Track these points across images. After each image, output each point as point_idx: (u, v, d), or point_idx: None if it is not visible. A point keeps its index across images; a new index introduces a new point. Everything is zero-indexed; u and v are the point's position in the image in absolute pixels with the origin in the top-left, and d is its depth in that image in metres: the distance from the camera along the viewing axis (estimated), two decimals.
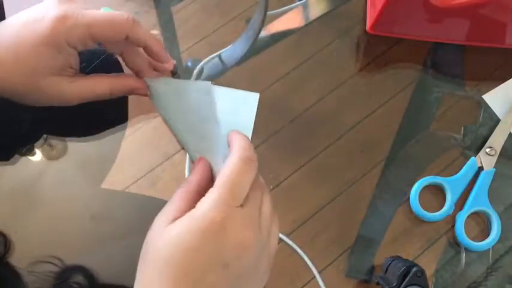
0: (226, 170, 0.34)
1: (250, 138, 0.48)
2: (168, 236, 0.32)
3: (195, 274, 0.31)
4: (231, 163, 0.34)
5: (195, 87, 0.49)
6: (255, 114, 0.51)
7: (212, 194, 0.33)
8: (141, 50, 0.41)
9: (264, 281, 0.36)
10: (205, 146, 0.45)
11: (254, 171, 0.35)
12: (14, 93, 0.37)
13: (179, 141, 0.47)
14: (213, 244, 0.32)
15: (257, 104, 0.51)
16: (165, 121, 0.43)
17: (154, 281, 0.31)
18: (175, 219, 0.33)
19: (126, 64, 0.42)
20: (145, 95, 0.41)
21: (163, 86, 0.44)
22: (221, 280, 0.32)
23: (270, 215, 0.36)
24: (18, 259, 0.43)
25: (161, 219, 0.34)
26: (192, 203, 0.34)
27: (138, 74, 0.42)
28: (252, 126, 0.51)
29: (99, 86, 0.40)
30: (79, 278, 0.43)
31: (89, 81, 0.40)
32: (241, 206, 0.34)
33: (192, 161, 0.46)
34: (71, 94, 0.39)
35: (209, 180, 0.37)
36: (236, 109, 0.51)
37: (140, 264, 0.33)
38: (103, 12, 0.39)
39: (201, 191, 0.35)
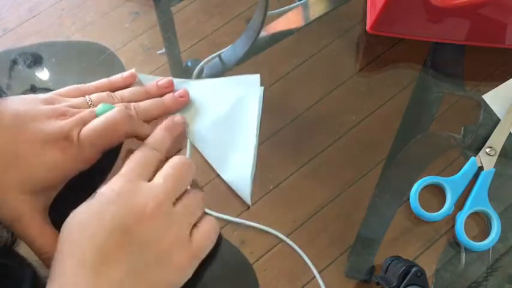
0: (133, 156, 0.40)
1: (256, 123, 0.49)
2: (75, 211, 0.36)
3: (96, 240, 0.34)
4: (137, 150, 0.41)
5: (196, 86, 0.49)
6: (258, 96, 0.51)
7: (119, 172, 0.38)
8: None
9: (181, 274, 0.38)
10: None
11: (157, 156, 0.40)
12: None
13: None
14: (111, 211, 0.35)
15: (259, 84, 0.51)
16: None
17: (63, 251, 0.34)
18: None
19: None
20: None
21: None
22: (120, 245, 0.34)
23: (192, 208, 0.39)
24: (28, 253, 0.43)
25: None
26: None
27: None
28: (258, 108, 0.50)
29: (43, 241, 0.40)
30: None
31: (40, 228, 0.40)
32: (148, 181, 0.38)
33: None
34: (19, 224, 0.39)
35: None
36: (240, 95, 0.51)
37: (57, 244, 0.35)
38: (97, 123, 0.41)
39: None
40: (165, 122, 0.44)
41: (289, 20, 0.56)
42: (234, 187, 0.47)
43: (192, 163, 0.41)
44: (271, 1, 0.55)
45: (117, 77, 0.49)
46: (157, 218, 0.36)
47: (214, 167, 0.48)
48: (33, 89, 0.51)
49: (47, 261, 0.39)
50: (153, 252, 0.35)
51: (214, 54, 0.53)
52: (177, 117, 0.47)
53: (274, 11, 0.56)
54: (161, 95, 0.49)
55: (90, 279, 0.33)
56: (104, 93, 0.46)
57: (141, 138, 0.43)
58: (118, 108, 0.42)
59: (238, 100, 0.50)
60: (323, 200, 0.48)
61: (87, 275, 0.33)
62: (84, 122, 0.41)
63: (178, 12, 0.57)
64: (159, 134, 0.43)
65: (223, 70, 0.53)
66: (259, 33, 0.50)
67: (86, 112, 0.42)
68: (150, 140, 0.42)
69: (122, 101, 0.46)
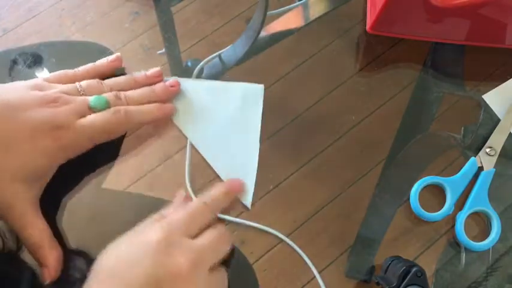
0: (187, 205, 0.39)
1: (259, 132, 0.50)
2: (115, 248, 0.35)
3: (123, 280, 0.33)
4: (195, 201, 0.41)
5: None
6: (261, 105, 0.51)
7: (165, 219, 0.37)
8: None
9: None
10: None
11: (209, 216, 0.39)
12: None
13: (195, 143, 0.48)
14: (151, 260, 0.33)
15: (262, 95, 0.51)
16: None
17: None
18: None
19: None
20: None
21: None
22: None
23: (225, 277, 0.39)
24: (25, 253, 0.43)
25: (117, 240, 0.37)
26: None
27: None
28: (260, 119, 0.50)
29: (32, 233, 0.40)
30: (79, 262, 0.44)
31: (29, 221, 0.40)
32: (191, 238, 0.37)
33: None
34: (10, 215, 0.40)
35: None
36: (243, 102, 0.51)
37: (88, 282, 0.34)
38: (97, 122, 0.42)
39: None
40: (229, 183, 0.45)
41: (289, 20, 0.56)
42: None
43: (230, 235, 0.42)
44: (271, 1, 0.55)
45: (102, 61, 0.49)
46: (192, 281, 0.34)
47: (215, 169, 0.48)
48: None
49: (33, 249, 0.40)
50: None
51: (214, 54, 0.53)
52: (240, 180, 0.47)
53: (274, 11, 0.56)
54: (150, 85, 0.49)
55: None
56: (94, 81, 0.46)
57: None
58: (114, 109, 0.43)
59: (241, 107, 0.50)
60: (323, 200, 0.48)
61: None
62: (78, 112, 0.41)
63: (178, 12, 0.57)
64: (220, 195, 0.43)
65: (223, 70, 0.53)
66: (259, 33, 0.50)
67: (79, 101, 0.42)
68: (209, 197, 0.41)
69: (111, 89, 0.46)
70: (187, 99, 0.50)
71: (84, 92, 0.44)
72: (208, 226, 0.39)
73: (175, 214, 0.38)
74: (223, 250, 0.38)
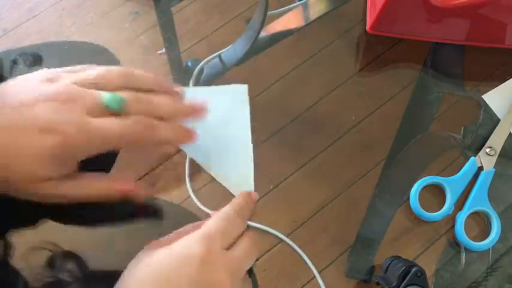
0: (219, 215, 0.37)
1: (249, 132, 0.49)
2: (149, 259, 0.33)
3: None
4: (222, 211, 0.38)
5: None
6: (248, 105, 0.51)
7: (202, 230, 0.35)
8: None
9: None
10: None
11: (243, 225, 0.38)
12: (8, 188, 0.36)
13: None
14: (193, 274, 0.33)
15: (247, 94, 0.51)
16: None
17: None
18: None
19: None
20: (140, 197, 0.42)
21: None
22: None
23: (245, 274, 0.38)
24: (16, 257, 0.43)
25: (149, 247, 0.35)
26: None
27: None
28: (249, 118, 0.50)
29: (94, 187, 0.39)
30: (70, 266, 0.43)
31: (81, 184, 0.38)
32: (227, 250, 0.36)
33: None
34: (59, 197, 0.38)
35: None
36: (229, 104, 0.51)
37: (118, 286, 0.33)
38: (114, 130, 0.37)
39: None
40: (247, 192, 0.43)
41: (289, 20, 0.56)
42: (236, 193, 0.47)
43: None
44: (271, 1, 0.55)
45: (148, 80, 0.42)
46: None
47: (213, 174, 0.48)
48: None
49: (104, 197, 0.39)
50: None
51: (214, 54, 0.53)
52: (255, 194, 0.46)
53: (274, 11, 0.56)
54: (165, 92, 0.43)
55: None
56: (111, 72, 0.40)
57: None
58: (136, 119, 0.38)
59: (228, 110, 0.50)
60: (323, 200, 0.48)
61: None
62: (90, 110, 0.36)
63: (178, 12, 0.57)
64: (246, 203, 0.42)
65: (223, 70, 0.53)
66: (259, 33, 0.50)
67: (90, 96, 0.37)
68: (238, 206, 0.40)
69: (128, 85, 0.40)
70: None
71: (97, 85, 0.38)
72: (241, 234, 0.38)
73: (212, 225, 0.36)
74: (255, 257, 0.38)
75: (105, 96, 0.37)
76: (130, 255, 0.37)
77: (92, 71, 0.39)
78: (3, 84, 0.37)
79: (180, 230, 0.38)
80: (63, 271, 0.42)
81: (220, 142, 0.49)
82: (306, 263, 0.46)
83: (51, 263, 0.43)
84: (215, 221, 0.37)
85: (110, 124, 0.37)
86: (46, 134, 0.35)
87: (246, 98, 0.51)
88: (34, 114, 0.35)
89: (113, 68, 0.40)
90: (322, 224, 0.48)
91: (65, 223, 0.45)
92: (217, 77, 0.53)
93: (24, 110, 0.35)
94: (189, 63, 0.53)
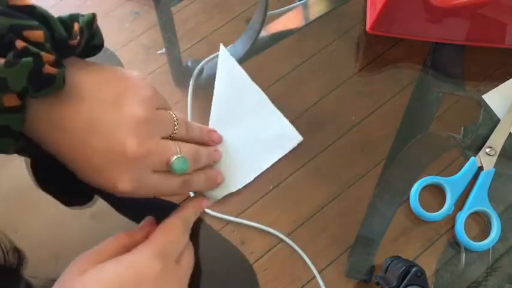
0: (169, 229, 0.37)
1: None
2: (98, 274, 0.32)
3: None
4: (170, 222, 0.38)
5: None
6: (286, 152, 0.49)
7: (151, 245, 0.35)
8: None
9: None
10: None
11: (187, 236, 0.39)
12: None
13: None
14: None
15: (296, 145, 0.50)
16: None
17: None
18: (99, 263, 0.33)
19: None
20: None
21: None
22: None
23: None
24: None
25: (82, 261, 0.34)
26: (119, 252, 0.35)
27: None
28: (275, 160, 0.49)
29: None
30: None
31: None
32: (176, 263, 0.36)
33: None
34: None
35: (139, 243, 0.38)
36: (274, 140, 0.50)
37: None
38: (159, 185, 0.38)
39: (128, 249, 0.36)
40: (198, 201, 0.44)
41: (289, 20, 0.56)
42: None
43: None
44: (271, 1, 0.55)
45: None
46: None
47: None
48: None
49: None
50: None
51: (214, 54, 0.53)
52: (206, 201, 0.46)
53: (274, 11, 0.56)
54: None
55: None
56: (186, 125, 0.41)
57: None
58: (184, 181, 0.40)
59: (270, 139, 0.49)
60: (323, 200, 0.48)
61: None
62: (156, 166, 0.37)
63: (178, 12, 0.57)
64: (191, 213, 0.42)
65: None
66: (259, 33, 0.50)
67: (163, 155, 0.37)
68: (186, 217, 0.41)
69: (190, 141, 0.42)
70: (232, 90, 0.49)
71: (175, 136, 0.39)
72: None
73: (164, 240, 0.37)
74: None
75: (174, 161, 0.37)
76: None
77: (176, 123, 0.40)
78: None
79: (111, 239, 0.37)
80: None
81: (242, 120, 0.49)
82: (306, 263, 0.46)
83: None
84: (166, 235, 0.37)
85: (165, 185, 0.38)
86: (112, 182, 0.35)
87: (289, 147, 0.49)
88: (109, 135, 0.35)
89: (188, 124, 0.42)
90: (322, 224, 0.48)
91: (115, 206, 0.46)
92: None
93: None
94: (189, 63, 0.53)
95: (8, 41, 0.30)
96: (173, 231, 0.38)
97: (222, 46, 0.48)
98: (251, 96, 0.49)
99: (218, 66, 0.49)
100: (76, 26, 0.34)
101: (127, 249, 0.36)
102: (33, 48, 0.30)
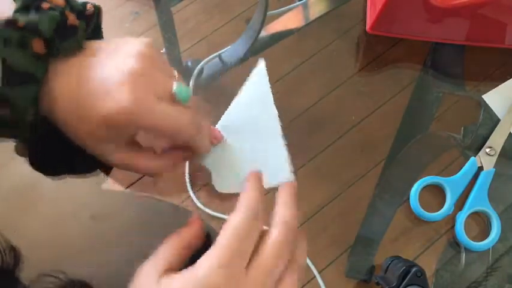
0: (229, 230, 0.32)
1: (276, 111, 0.46)
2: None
3: None
4: (234, 223, 0.33)
5: None
6: (268, 82, 0.48)
7: (214, 255, 0.32)
8: None
9: None
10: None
11: (258, 230, 0.33)
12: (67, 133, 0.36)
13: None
14: None
15: (265, 70, 0.47)
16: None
17: None
18: (166, 272, 0.32)
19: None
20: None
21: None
22: None
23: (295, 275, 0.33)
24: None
25: (150, 270, 0.33)
26: (182, 258, 0.33)
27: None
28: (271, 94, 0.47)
29: (145, 164, 0.37)
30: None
31: (138, 157, 0.37)
32: (246, 269, 0.32)
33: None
34: (117, 162, 0.37)
35: (200, 238, 0.36)
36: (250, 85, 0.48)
37: None
38: (173, 115, 0.35)
39: (192, 248, 0.34)
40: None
41: (289, 20, 0.56)
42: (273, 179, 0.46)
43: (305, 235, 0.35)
44: (271, 1, 0.55)
45: None
46: None
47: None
48: None
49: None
50: None
51: (214, 54, 0.53)
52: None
53: (274, 11, 0.56)
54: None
55: None
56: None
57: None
58: (195, 115, 0.37)
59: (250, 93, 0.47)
60: (323, 200, 0.48)
61: None
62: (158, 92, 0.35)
63: (178, 12, 0.57)
64: (257, 198, 0.36)
65: (223, 70, 0.53)
66: (259, 33, 0.50)
67: (166, 87, 0.35)
68: (248, 203, 0.35)
69: None
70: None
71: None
72: None
73: (230, 245, 0.32)
74: (287, 258, 0.34)
75: (177, 85, 0.36)
76: (142, 246, 0.36)
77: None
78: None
79: (169, 245, 0.35)
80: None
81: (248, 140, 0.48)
82: (306, 263, 0.46)
83: None
84: (231, 239, 0.32)
85: (176, 113, 0.35)
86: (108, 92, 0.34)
87: (265, 77, 0.47)
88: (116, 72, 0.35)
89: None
90: (322, 224, 0.48)
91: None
92: (217, 77, 0.53)
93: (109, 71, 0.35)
94: (189, 63, 0.53)
95: (35, 8, 0.33)
96: (240, 235, 0.33)
97: (263, 61, 0.47)
98: (267, 119, 0.48)
99: (251, 77, 0.48)
100: (89, 6, 0.36)
101: (190, 248, 0.35)
102: (57, 7, 0.33)
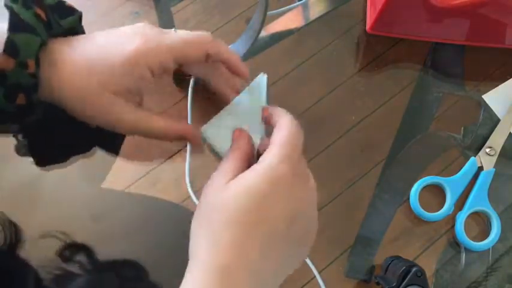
0: (284, 131, 0.36)
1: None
2: (238, 186, 0.32)
3: (269, 222, 0.31)
4: (288, 126, 0.37)
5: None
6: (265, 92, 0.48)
7: (277, 150, 0.35)
8: (222, 70, 0.42)
9: (309, 249, 0.37)
10: None
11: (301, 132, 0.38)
12: (74, 104, 0.37)
13: None
14: (285, 195, 0.32)
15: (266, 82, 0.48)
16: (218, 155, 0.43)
17: (225, 232, 0.31)
18: (235, 176, 0.34)
19: (210, 87, 0.43)
20: (198, 146, 0.42)
21: (215, 129, 0.44)
22: (288, 233, 0.32)
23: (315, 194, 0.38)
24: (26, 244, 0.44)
25: (219, 178, 0.34)
26: (246, 164, 0.35)
27: (222, 97, 0.43)
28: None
29: (156, 124, 0.39)
30: (80, 257, 0.43)
31: (147, 117, 0.39)
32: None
33: None
34: (128, 123, 0.38)
35: (251, 146, 0.38)
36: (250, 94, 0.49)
37: (199, 225, 0.33)
38: (183, 33, 0.39)
39: (249, 159, 0.37)
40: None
41: (289, 20, 0.56)
42: None
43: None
44: (271, 1, 0.55)
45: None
46: (312, 205, 0.36)
47: None
48: None
49: (163, 138, 0.40)
50: (307, 242, 0.36)
51: None
52: None
53: (274, 11, 0.56)
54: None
55: (262, 265, 0.32)
56: None
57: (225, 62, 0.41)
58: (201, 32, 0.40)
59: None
60: (323, 200, 0.48)
61: (259, 260, 0.31)
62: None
63: (178, 12, 0.57)
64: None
65: None
66: (259, 33, 0.50)
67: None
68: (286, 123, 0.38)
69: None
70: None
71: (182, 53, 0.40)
72: None
73: (283, 141, 0.36)
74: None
75: None
76: (142, 245, 0.39)
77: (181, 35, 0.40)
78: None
79: (231, 156, 0.37)
80: (73, 263, 0.43)
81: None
82: (306, 263, 0.46)
83: (61, 254, 0.43)
84: (285, 137, 0.36)
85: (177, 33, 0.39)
86: (119, 42, 0.37)
87: (264, 87, 0.48)
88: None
89: (200, 39, 0.41)
90: (322, 224, 0.47)
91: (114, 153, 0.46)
92: None
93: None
94: None
95: None
96: (294, 132, 0.37)
97: (265, 75, 0.48)
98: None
99: (250, 86, 0.48)
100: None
101: (248, 159, 0.37)
102: None
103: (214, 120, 0.46)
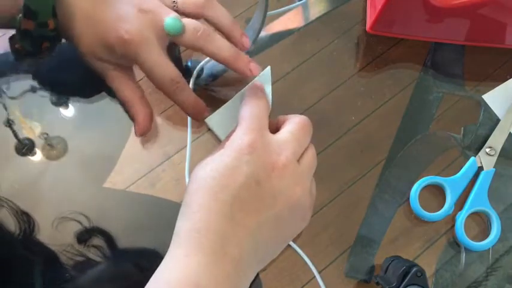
0: (247, 107, 0.40)
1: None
2: (208, 161, 0.37)
3: (232, 189, 0.35)
4: (252, 103, 0.40)
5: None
6: (270, 89, 0.49)
7: (240, 124, 0.38)
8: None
9: (305, 223, 0.40)
10: None
11: (267, 104, 0.41)
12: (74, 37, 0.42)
13: None
14: (246, 163, 0.36)
15: (270, 76, 0.49)
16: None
17: (194, 196, 0.35)
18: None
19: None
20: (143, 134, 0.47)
21: (219, 118, 0.47)
22: (254, 195, 0.35)
23: (312, 164, 0.41)
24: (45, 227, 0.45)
25: (205, 161, 0.38)
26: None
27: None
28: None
29: (124, 93, 0.46)
30: (99, 242, 0.45)
31: (122, 82, 0.45)
32: (273, 134, 0.39)
33: None
34: (107, 78, 0.45)
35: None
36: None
37: (185, 196, 0.36)
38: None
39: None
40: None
41: (289, 20, 0.56)
42: None
43: (311, 125, 0.41)
44: (271, 1, 0.55)
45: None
46: (286, 175, 0.37)
47: None
48: (33, 90, 0.51)
49: (127, 107, 0.46)
50: (285, 205, 0.37)
51: None
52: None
53: (274, 11, 0.56)
54: (232, 40, 0.46)
55: (227, 226, 0.34)
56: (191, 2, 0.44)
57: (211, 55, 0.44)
58: (195, 26, 0.43)
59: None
60: (323, 200, 0.48)
61: (224, 222, 0.34)
62: (152, 26, 0.42)
63: None
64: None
65: (223, 70, 0.53)
66: (259, 33, 0.50)
67: (156, 15, 0.42)
68: (256, 86, 0.43)
69: (203, 16, 0.45)
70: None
71: (177, 7, 0.44)
72: None
73: (249, 115, 0.39)
74: (308, 138, 0.41)
75: (166, 20, 0.42)
76: (158, 234, 0.42)
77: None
78: None
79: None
80: (92, 247, 0.44)
81: None
82: (305, 263, 0.46)
83: (80, 237, 0.44)
84: (249, 107, 0.40)
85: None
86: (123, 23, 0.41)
87: (269, 81, 0.48)
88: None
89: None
90: (322, 224, 0.48)
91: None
92: (217, 77, 0.53)
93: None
94: (189, 63, 0.53)
95: None
96: (254, 102, 0.41)
97: (269, 68, 0.49)
98: None
99: (257, 78, 0.48)
100: None
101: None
102: None
103: (221, 110, 0.47)
